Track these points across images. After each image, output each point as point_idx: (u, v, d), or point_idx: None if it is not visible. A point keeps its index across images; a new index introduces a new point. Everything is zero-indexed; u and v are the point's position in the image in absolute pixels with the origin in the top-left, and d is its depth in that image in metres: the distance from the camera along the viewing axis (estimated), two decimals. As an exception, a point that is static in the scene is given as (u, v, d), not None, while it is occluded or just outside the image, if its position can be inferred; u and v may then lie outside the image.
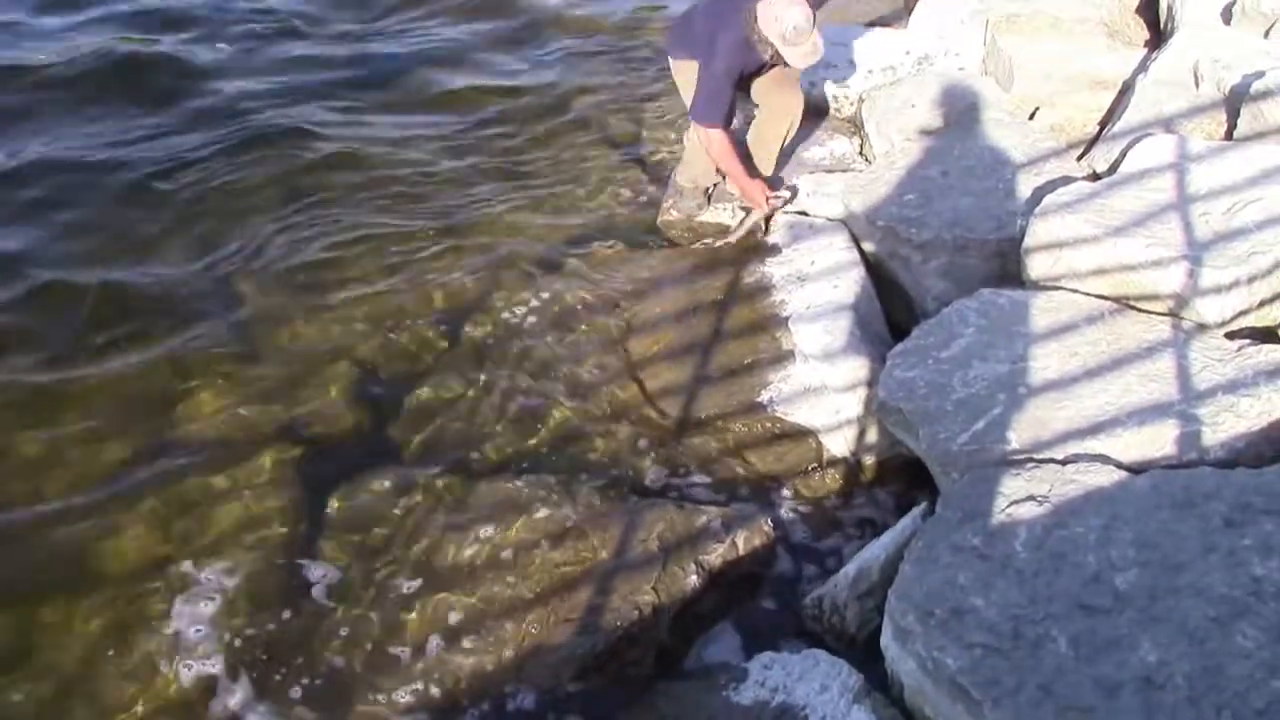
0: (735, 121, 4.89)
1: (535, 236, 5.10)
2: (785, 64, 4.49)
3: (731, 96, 4.61)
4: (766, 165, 5.10)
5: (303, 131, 5.93)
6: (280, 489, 3.70)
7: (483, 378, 4.20)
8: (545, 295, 4.63)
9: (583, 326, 4.44)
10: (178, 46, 6.93)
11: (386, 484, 3.71)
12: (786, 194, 4.72)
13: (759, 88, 4.91)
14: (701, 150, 4.87)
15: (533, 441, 3.92)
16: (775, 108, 4.95)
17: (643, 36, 7.20)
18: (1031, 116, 5.32)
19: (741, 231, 4.87)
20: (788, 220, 4.90)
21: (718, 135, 4.60)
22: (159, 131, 5.94)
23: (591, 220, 5.20)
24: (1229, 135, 4.59)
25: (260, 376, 4.22)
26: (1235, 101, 4.60)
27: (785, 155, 5.18)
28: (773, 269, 4.63)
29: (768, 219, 4.88)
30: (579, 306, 4.57)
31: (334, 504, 3.65)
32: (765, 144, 5.07)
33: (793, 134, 5.09)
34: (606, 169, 5.59)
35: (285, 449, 3.86)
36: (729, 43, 4.48)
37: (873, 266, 4.60)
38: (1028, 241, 4.00)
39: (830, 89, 5.74)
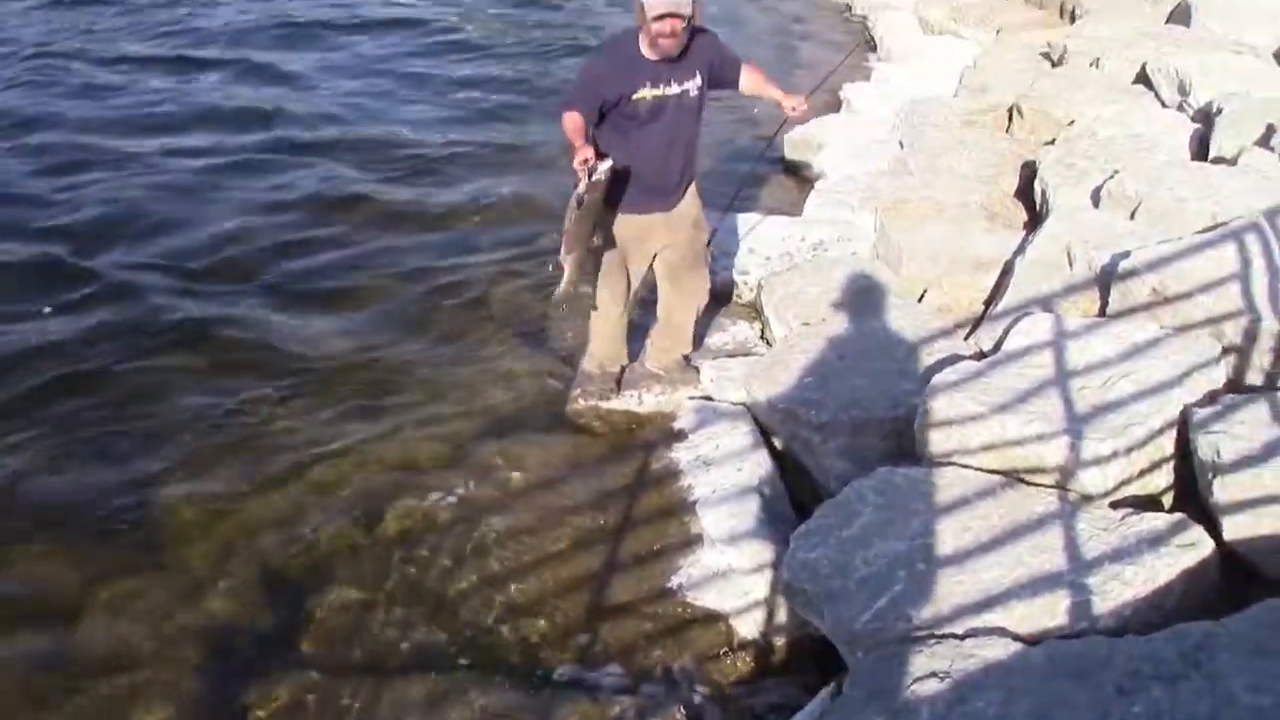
0: (637, 290, 5.13)
1: (443, 429, 5.16)
2: (655, 29, 4.43)
3: (593, 99, 4.59)
4: (681, 346, 5.28)
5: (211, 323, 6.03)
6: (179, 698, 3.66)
7: (393, 575, 4.21)
8: (456, 489, 4.68)
9: (493, 519, 4.48)
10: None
11: (299, 681, 3.68)
12: (603, 166, 4.47)
13: (665, 267, 5.08)
14: (605, 332, 5.04)
15: (443, 637, 3.92)
16: (685, 291, 5.14)
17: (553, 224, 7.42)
18: (921, 298, 5.57)
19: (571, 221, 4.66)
20: (694, 405, 5.05)
21: (568, 115, 4.55)
22: None
23: (500, 411, 5.28)
24: (1102, 312, 4.86)
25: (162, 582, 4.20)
26: (1106, 280, 4.89)
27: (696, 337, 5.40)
28: (679, 454, 4.75)
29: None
30: (489, 501, 4.62)
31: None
32: (677, 329, 5.25)
33: (699, 314, 5.28)
34: (514, 357, 5.70)
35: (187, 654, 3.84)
36: (602, 54, 4.81)
37: (776, 448, 4.74)
38: (920, 420, 4.16)
39: (729, 275, 5.98)
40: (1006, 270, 5.48)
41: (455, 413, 5.30)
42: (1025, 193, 6.47)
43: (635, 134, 4.64)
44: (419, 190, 7.80)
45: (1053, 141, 6.89)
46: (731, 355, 5.35)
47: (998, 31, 10.08)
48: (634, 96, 4.57)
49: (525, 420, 5.21)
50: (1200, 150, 6.52)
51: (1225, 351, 4.36)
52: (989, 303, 5.39)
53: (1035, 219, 6.12)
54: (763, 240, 6.21)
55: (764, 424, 4.81)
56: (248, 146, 8.36)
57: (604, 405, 5.14)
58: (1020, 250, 5.51)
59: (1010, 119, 7.58)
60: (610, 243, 4.84)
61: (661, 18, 4.36)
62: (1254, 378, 4.34)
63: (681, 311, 5.21)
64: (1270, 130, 6.17)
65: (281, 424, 5.18)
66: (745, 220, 6.47)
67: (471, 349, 5.85)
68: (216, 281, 6.51)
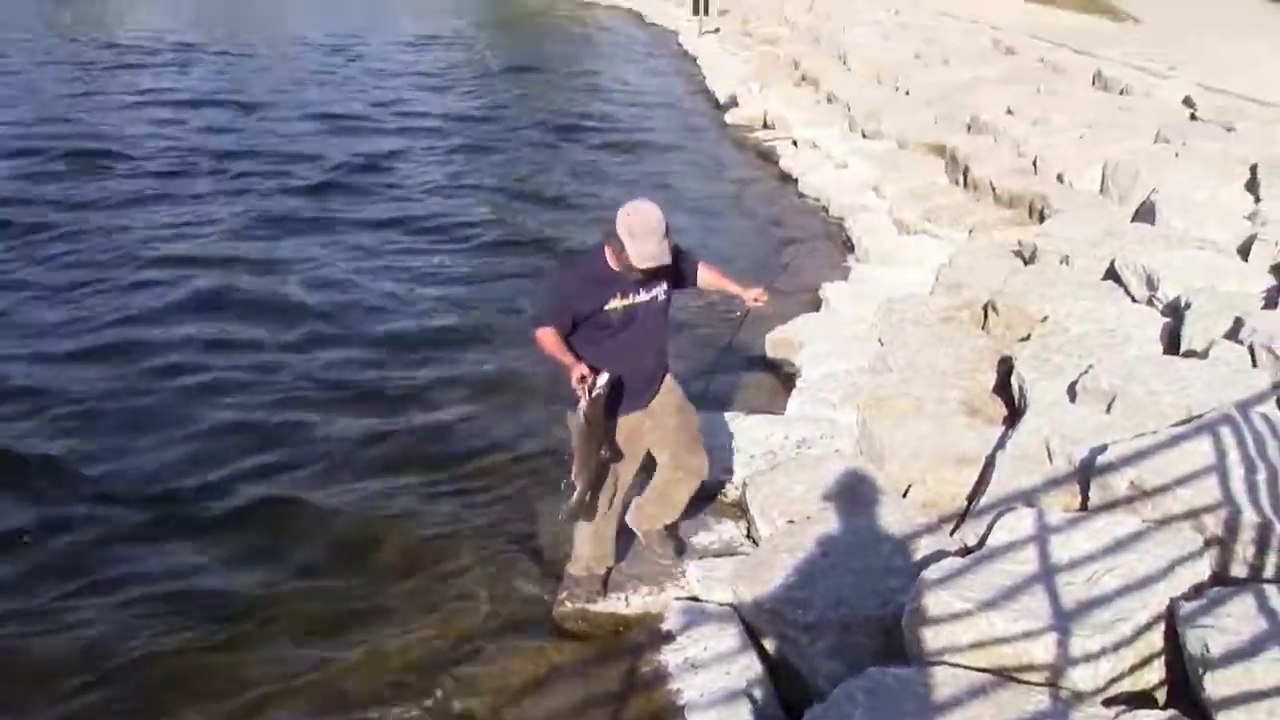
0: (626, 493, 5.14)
1: (428, 632, 5.10)
2: (632, 271, 4.58)
3: (566, 315, 4.68)
4: (669, 516, 5.37)
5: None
6: None
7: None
8: (441, 699, 4.61)
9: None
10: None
11: None
12: (602, 381, 4.56)
13: (664, 452, 5.13)
14: (592, 535, 5.05)
15: None
16: (686, 469, 5.18)
17: (527, 405, 7.49)
18: (905, 494, 5.62)
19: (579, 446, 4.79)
20: (681, 606, 5.02)
21: (540, 335, 4.68)
22: None
23: (486, 615, 5.23)
24: (1084, 506, 4.90)
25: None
26: (1085, 474, 4.95)
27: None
28: (667, 657, 4.70)
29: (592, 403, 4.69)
30: (475, 710, 4.55)
31: None
32: (671, 503, 5.29)
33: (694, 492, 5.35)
34: (498, 561, 5.69)
35: None
36: (571, 268, 4.96)
37: (765, 649, 4.70)
38: (907, 619, 4.15)
39: (715, 475, 6.02)
40: (988, 465, 5.54)
41: (441, 617, 5.25)
42: (1003, 388, 6.59)
43: (608, 341, 4.74)
44: (389, 374, 7.94)
45: (1028, 337, 7.05)
46: (718, 555, 5.36)
47: (970, 231, 10.40)
48: (606, 308, 4.69)
49: (511, 625, 5.16)
50: (1171, 344, 6.69)
51: (1208, 544, 4.38)
52: (972, 498, 5.43)
53: (1014, 414, 6.21)
54: (746, 439, 6.28)
55: (752, 625, 4.79)
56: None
57: (591, 608, 5.10)
58: (1000, 445, 5.58)
59: (986, 315, 7.77)
60: (615, 453, 4.91)
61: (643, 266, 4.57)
62: (1238, 570, 4.35)
63: (680, 488, 5.27)
64: (1238, 323, 6.35)
65: (259, 643, 5.12)
66: (729, 420, 6.55)
67: (457, 548, 5.83)
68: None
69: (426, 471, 6.64)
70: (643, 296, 4.76)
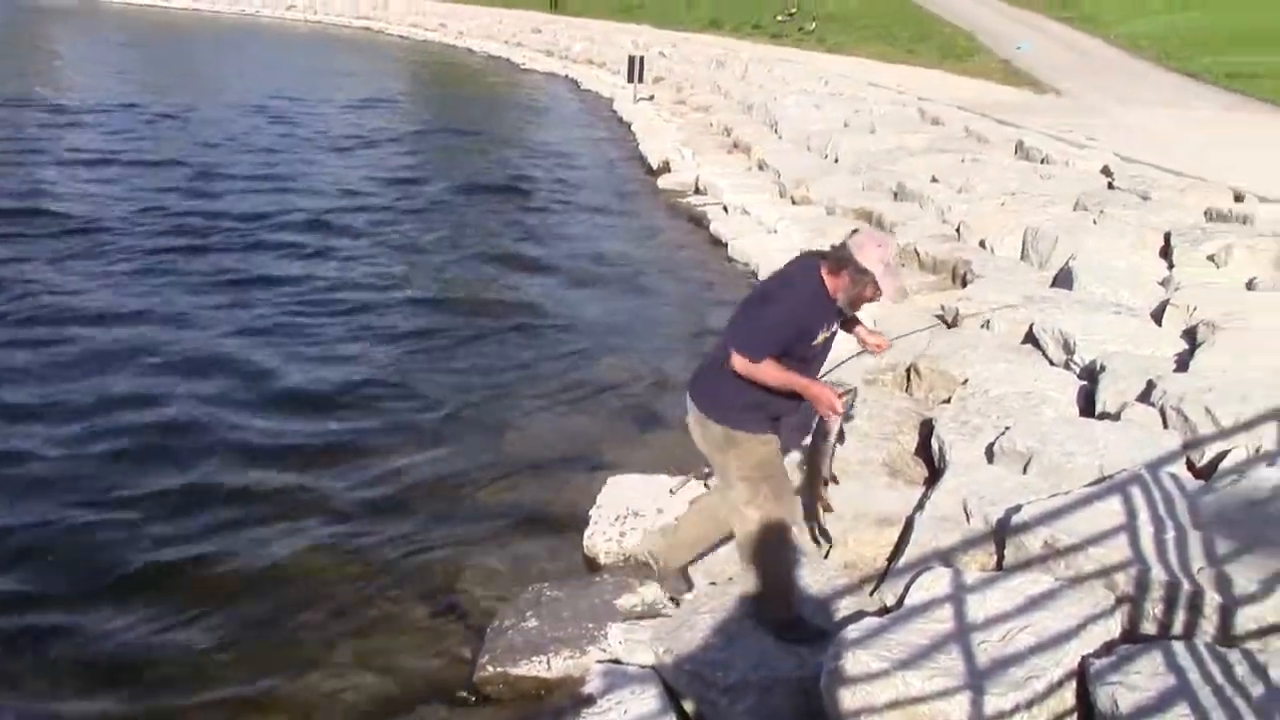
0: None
1: (344, 705, 5.02)
2: (869, 297, 4.52)
3: (785, 343, 4.53)
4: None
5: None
6: None
7: None
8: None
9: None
10: None
11: None
12: (849, 399, 4.79)
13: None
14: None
15: None
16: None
17: (448, 460, 7.45)
18: (826, 555, 5.65)
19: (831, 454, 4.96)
20: (602, 669, 4.98)
21: (763, 366, 4.49)
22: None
23: (403, 681, 5.17)
24: (999, 565, 4.96)
25: None
26: (1001, 534, 5.02)
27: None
28: (588, 720, 4.67)
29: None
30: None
31: None
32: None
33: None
34: (418, 623, 5.63)
35: None
36: (800, 292, 4.55)
37: (684, 711, 4.68)
38: (826, 680, 4.16)
39: (639, 537, 6.03)
40: (908, 526, 5.59)
41: (360, 681, 5.18)
42: (924, 449, 6.67)
43: (793, 368, 4.61)
44: (308, 429, 7.88)
45: (949, 400, 7.16)
46: (640, 617, 5.33)
47: (896, 295, 10.55)
48: (814, 340, 4.65)
49: (431, 689, 5.10)
50: (1087, 406, 6.82)
51: (1118, 602, 4.47)
52: (892, 558, 5.48)
53: (934, 475, 6.29)
54: (672, 502, 6.30)
55: (672, 687, 4.76)
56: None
57: (512, 672, 5.06)
58: (920, 506, 5.65)
59: (909, 378, 7.88)
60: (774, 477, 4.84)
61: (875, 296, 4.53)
62: (1148, 627, 4.43)
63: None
64: (1150, 386, 6.50)
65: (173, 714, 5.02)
66: (653, 481, 6.56)
67: (376, 610, 5.77)
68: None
69: (345, 532, 6.55)
70: (833, 329, 4.76)
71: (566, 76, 34.85)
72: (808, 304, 4.56)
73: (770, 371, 4.51)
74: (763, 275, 12.02)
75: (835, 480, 5.10)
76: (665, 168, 18.33)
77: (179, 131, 20.95)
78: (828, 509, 5.30)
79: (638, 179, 18.31)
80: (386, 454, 7.56)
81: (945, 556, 5.06)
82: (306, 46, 44.94)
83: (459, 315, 10.72)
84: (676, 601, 5.47)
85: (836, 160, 16.42)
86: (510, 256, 13.14)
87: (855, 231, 4.66)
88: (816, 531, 5.57)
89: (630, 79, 26.14)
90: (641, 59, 26.47)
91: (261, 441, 7.71)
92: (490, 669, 5.11)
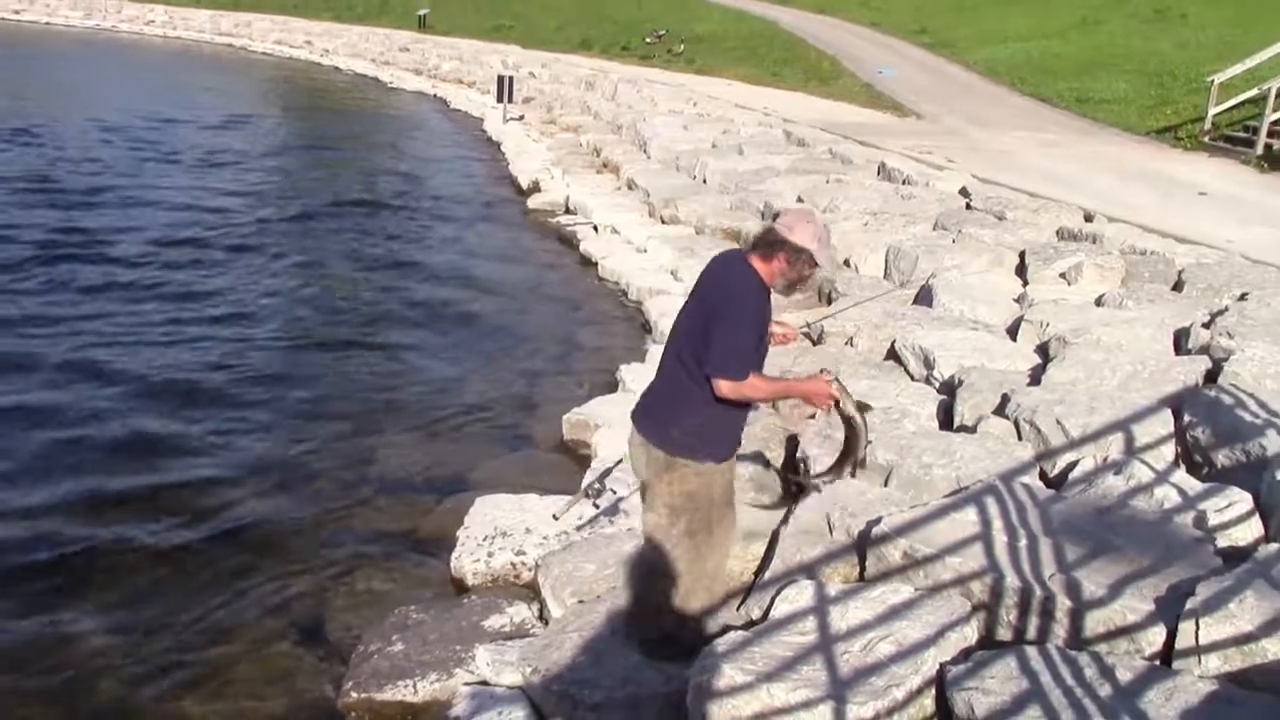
0: None
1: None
2: (806, 276, 4.44)
3: (756, 353, 4.45)
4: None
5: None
6: None
7: None
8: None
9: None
10: None
11: None
12: (834, 377, 4.57)
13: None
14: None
15: None
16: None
17: (310, 485, 7.32)
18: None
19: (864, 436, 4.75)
20: (469, 691, 4.92)
21: (751, 383, 4.34)
22: None
23: (266, 709, 5.04)
24: (861, 576, 5.06)
25: None
26: (862, 545, 5.11)
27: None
28: (455, 743, 4.61)
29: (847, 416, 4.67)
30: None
31: None
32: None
33: None
34: (281, 650, 5.50)
35: None
36: (749, 295, 4.39)
37: (554, 732, 4.66)
38: (692, 694, 4.18)
39: (507, 557, 5.98)
40: (774, 540, 5.65)
41: (224, 707, 5.05)
42: (791, 465, 6.77)
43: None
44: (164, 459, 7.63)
45: (813, 416, 7.27)
46: (509, 638, 5.29)
47: (763, 314, 10.70)
48: (765, 336, 4.54)
49: (295, 716, 4.99)
50: (946, 419, 7.01)
51: (974, 609, 4.58)
52: (759, 572, 5.53)
53: (800, 490, 6.37)
54: (541, 520, 6.27)
55: (540, 707, 4.73)
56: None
57: (377, 697, 4.96)
58: (785, 520, 5.72)
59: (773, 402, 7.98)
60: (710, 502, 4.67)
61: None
62: (1003, 633, 4.56)
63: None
64: (1005, 399, 6.70)
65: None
66: (523, 501, 6.53)
67: (238, 635, 5.62)
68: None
69: (203, 561, 6.37)
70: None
71: (435, 96, 34.58)
72: (757, 304, 4.45)
73: (759, 385, 4.41)
74: (632, 294, 12.14)
75: (864, 465, 4.92)
76: (535, 188, 18.30)
77: (28, 147, 20.19)
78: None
79: (507, 199, 18.24)
80: (245, 480, 7.36)
81: (810, 569, 5.13)
82: (166, 63, 43.74)
83: (323, 338, 10.52)
84: (545, 621, 5.45)
85: (705, 180, 16.61)
86: (376, 277, 12.95)
87: (779, 214, 4.58)
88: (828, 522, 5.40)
89: (500, 99, 26.04)
90: (511, 79, 26.41)
91: (113, 468, 7.45)
92: (354, 695, 5.01)
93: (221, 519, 6.84)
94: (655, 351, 10.04)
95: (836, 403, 4.56)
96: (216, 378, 9.25)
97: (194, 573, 6.23)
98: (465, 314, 11.59)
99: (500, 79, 26.52)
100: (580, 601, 5.31)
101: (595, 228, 15.16)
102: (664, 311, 11.13)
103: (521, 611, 5.59)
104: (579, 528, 6.24)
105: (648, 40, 38.70)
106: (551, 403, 8.77)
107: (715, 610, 4.86)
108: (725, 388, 4.31)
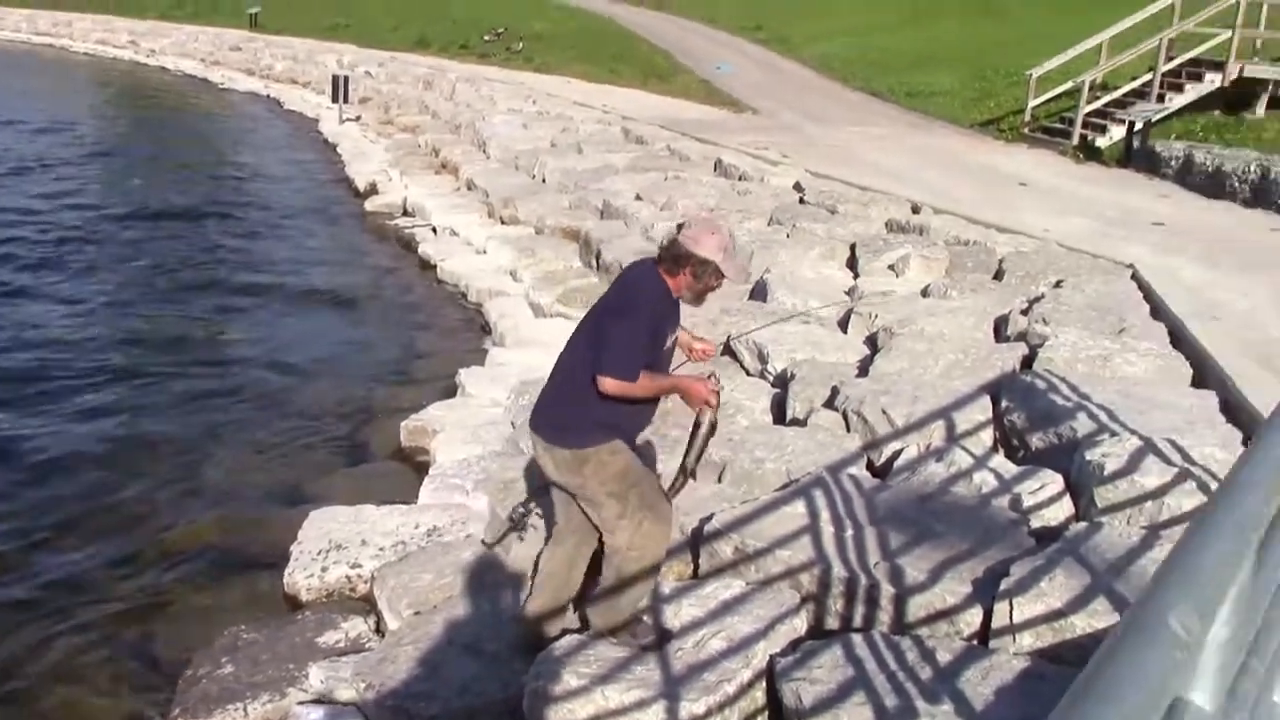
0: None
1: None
2: (714, 286, 4.47)
3: (647, 355, 4.39)
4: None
5: None
6: None
7: None
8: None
9: None
10: None
11: None
12: (716, 381, 4.54)
13: None
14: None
15: None
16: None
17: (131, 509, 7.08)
18: (534, 576, 5.66)
19: (700, 445, 4.63)
20: (303, 710, 4.82)
21: (641, 382, 4.32)
22: None
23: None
24: (695, 574, 5.12)
25: None
26: (696, 542, 5.18)
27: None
28: (289, 765, 4.52)
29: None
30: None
31: None
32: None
33: None
34: (108, 673, 5.31)
35: None
36: (646, 299, 4.40)
37: (391, 747, 4.60)
38: (529, 700, 4.20)
39: (342, 570, 5.88)
40: (611, 540, 5.68)
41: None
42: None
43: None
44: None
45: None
46: (343, 653, 5.20)
47: (603, 312, 10.74)
48: (665, 345, 4.50)
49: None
50: (780, 413, 7.14)
51: (804, 600, 4.69)
52: (598, 573, 5.55)
53: (638, 488, 6.42)
54: (376, 532, 6.18)
55: (377, 723, 4.68)
56: None
57: (207, 722, 4.84)
58: (622, 520, 5.75)
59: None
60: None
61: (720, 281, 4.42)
62: (831, 622, 4.67)
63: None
64: (835, 391, 6.86)
65: None
66: (359, 513, 6.43)
67: (65, 658, 5.42)
68: None
69: (24, 581, 6.12)
70: (677, 331, 4.60)
71: (269, 96, 33.70)
72: (656, 310, 4.44)
73: (645, 384, 4.37)
74: (472, 296, 12.06)
75: (694, 476, 4.81)
76: (372, 190, 18.01)
77: None
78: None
79: (344, 201, 17.90)
80: (69, 497, 7.10)
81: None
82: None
83: (149, 349, 10.19)
84: (381, 634, 5.38)
85: (544, 180, 16.57)
86: (206, 285, 12.59)
87: (682, 225, 4.55)
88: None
89: (335, 99, 25.52)
90: (346, 78, 25.90)
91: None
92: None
93: (40, 540, 6.57)
94: (496, 353, 10.04)
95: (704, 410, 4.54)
96: (29, 392, 8.88)
97: (7, 598, 5.97)
98: (299, 323, 11.35)
99: (335, 79, 26.01)
100: (417, 613, 5.26)
101: (434, 229, 15.01)
102: (504, 313, 11.11)
103: (357, 626, 5.50)
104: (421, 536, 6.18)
105: (486, 38, 38.38)
106: (389, 410, 8.66)
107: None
108: (610, 385, 4.30)
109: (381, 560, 5.93)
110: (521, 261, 12.49)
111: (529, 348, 10.05)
